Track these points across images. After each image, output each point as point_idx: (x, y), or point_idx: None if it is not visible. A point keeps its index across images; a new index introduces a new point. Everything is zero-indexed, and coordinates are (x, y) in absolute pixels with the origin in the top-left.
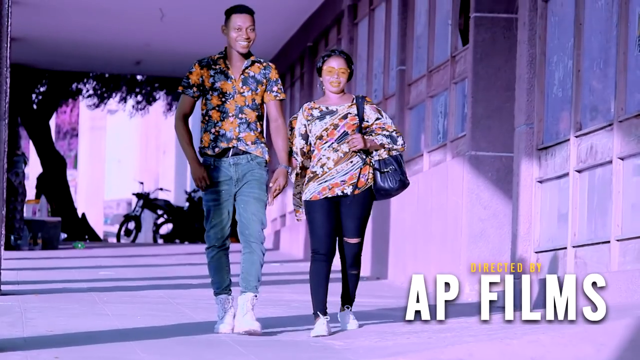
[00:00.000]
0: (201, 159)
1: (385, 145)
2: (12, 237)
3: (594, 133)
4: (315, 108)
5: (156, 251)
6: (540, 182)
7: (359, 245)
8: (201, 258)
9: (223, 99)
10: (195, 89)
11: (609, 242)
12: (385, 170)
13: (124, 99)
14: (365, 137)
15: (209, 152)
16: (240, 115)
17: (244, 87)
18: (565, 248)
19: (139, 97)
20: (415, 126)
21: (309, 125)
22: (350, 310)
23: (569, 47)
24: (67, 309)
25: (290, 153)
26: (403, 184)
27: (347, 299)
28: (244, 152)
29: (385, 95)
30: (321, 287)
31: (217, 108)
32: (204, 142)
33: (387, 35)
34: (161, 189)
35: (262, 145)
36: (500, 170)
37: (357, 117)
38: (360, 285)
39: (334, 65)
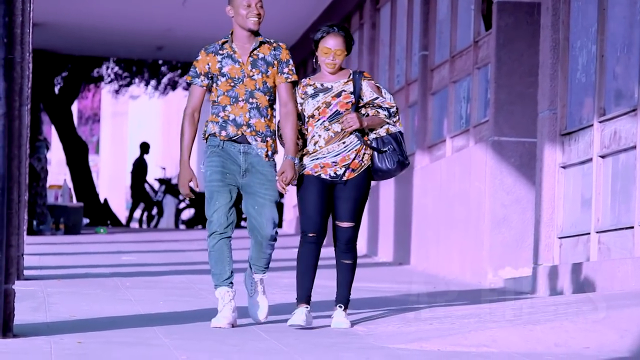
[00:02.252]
0: (208, 129)
1: (385, 120)
2: (35, 222)
3: (618, 118)
4: (310, 85)
5: (178, 236)
6: (563, 167)
7: (354, 231)
8: None
9: (232, 84)
10: (203, 77)
11: (632, 227)
12: (383, 150)
13: (146, 84)
14: (361, 115)
15: (216, 131)
16: (250, 100)
17: (254, 70)
18: (589, 233)
19: (161, 82)
20: (438, 111)
21: (303, 103)
22: (344, 311)
23: (592, 32)
24: (90, 294)
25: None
26: (402, 164)
27: (341, 296)
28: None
29: (408, 80)
30: (308, 275)
31: (226, 93)
32: (210, 125)
33: (410, 21)
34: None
35: (270, 137)
36: (523, 156)
37: (351, 95)
38: (382, 271)
39: (330, 46)
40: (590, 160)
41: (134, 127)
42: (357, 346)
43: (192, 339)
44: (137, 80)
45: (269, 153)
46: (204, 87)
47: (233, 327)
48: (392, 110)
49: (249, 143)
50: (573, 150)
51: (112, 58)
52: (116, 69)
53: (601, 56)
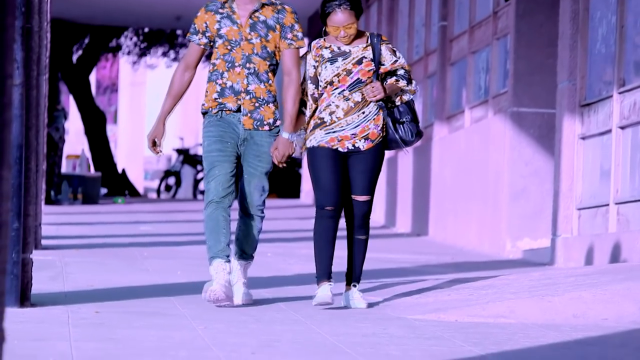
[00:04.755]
0: (205, 106)
1: (403, 88)
2: (52, 192)
3: (638, 89)
4: (326, 47)
5: (196, 207)
6: (582, 138)
7: (369, 204)
8: None
9: (229, 47)
10: (200, 35)
11: None
12: (402, 120)
13: (164, 55)
14: (383, 83)
15: (212, 105)
16: (247, 65)
17: (252, 33)
18: (608, 205)
19: (179, 52)
20: (457, 82)
21: (318, 67)
22: (357, 288)
23: (612, 3)
24: (107, 264)
25: (298, 112)
26: (419, 134)
27: (355, 274)
28: (254, 111)
29: (427, 51)
30: (327, 250)
31: (223, 57)
32: (208, 94)
33: None
34: (201, 145)
35: (272, 102)
36: (542, 127)
37: (372, 62)
38: (400, 242)
39: (338, 24)
40: (609, 131)
41: (152, 97)
42: (375, 317)
43: (209, 309)
44: (155, 50)
45: (270, 121)
46: (201, 46)
47: (226, 296)
48: (407, 75)
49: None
50: (592, 121)
51: (131, 28)
52: (135, 38)
53: (621, 27)
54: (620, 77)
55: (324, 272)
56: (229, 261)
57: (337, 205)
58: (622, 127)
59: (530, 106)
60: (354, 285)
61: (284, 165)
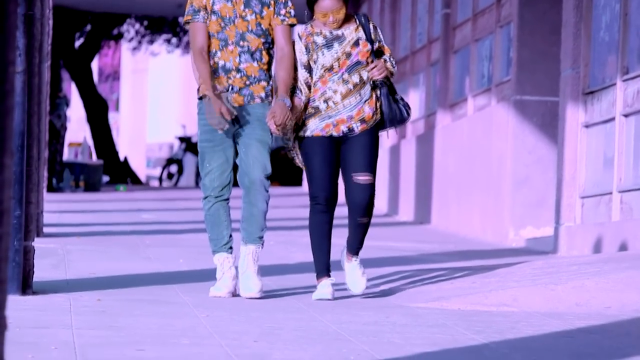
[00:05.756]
0: (200, 92)
1: (390, 69)
2: (54, 180)
3: None
4: (317, 34)
5: (198, 194)
6: (586, 126)
7: (372, 187)
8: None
9: (222, 25)
10: (203, 12)
11: None
12: (396, 98)
13: (167, 42)
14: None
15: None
16: (241, 43)
17: (246, 9)
18: (611, 193)
19: (181, 40)
20: (460, 70)
21: (312, 54)
22: (358, 260)
23: None
24: (109, 252)
25: (292, 89)
26: (410, 111)
27: (356, 248)
28: (243, 88)
29: (430, 38)
30: (324, 244)
31: (216, 35)
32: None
33: None
34: None
35: (264, 80)
36: (546, 115)
37: (368, 42)
38: (403, 230)
39: (326, 10)
40: (613, 119)
41: (154, 84)
42: (377, 305)
43: (211, 297)
44: (157, 37)
45: (262, 95)
46: (207, 23)
47: (233, 296)
48: (391, 57)
49: (240, 89)
50: (596, 109)
51: (133, 15)
52: (137, 26)
53: (625, 14)
54: (624, 65)
55: (323, 268)
56: (231, 252)
57: (331, 198)
58: (626, 115)
59: (534, 94)
60: (355, 259)
61: (279, 132)
